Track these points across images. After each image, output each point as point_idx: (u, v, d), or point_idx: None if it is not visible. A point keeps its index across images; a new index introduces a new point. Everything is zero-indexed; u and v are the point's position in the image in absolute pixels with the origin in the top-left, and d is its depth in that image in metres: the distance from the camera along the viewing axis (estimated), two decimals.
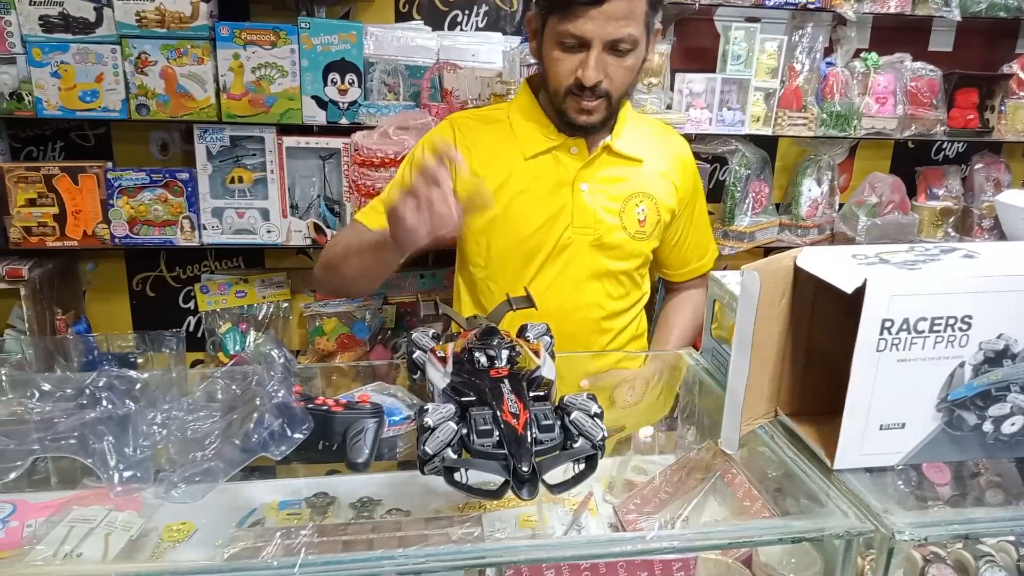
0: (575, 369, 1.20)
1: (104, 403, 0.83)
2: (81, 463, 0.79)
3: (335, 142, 1.89)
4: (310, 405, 0.84)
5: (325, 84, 1.83)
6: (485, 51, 1.96)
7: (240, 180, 1.90)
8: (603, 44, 1.24)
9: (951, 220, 2.34)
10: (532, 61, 1.75)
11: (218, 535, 0.84)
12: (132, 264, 2.14)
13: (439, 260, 2.15)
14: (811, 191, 2.26)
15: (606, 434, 0.74)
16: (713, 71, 2.06)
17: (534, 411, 0.73)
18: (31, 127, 1.98)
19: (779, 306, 0.83)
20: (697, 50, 2.19)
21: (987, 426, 0.79)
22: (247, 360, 0.92)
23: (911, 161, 2.43)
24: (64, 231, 1.85)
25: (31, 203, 1.83)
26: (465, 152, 1.39)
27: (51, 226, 1.84)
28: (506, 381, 0.77)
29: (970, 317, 0.74)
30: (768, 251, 2.29)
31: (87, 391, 0.84)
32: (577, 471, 0.73)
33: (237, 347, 2.05)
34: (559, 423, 0.74)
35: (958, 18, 2.08)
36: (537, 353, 0.87)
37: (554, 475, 0.72)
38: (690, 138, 2.12)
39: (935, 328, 0.74)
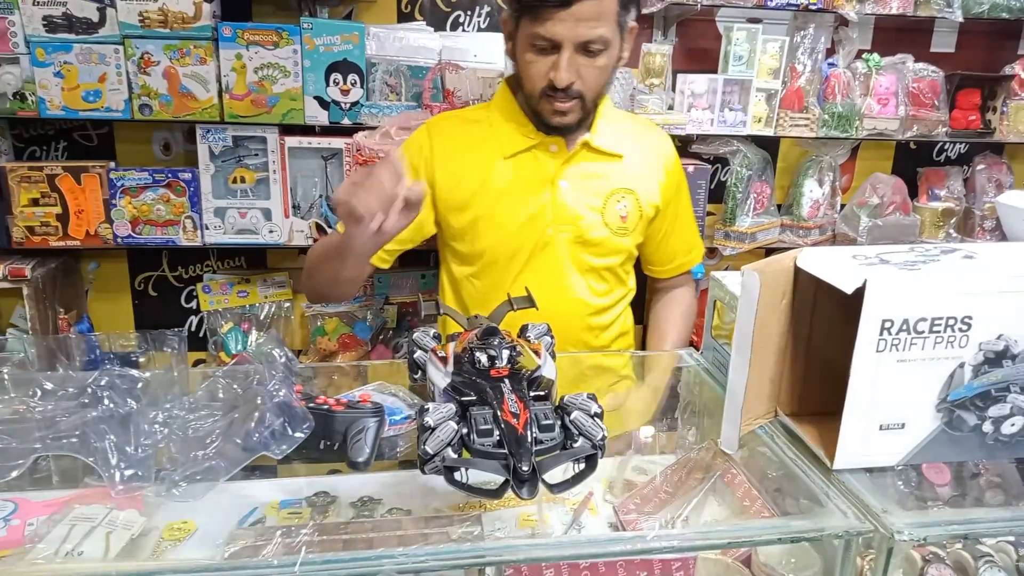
0: (564, 369, 1.20)
1: (106, 402, 0.83)
2: (83, 462, 0.79)
3: (337, 142, 1.89)
4: (311, 404, 0.84)
5: (327, 84, 1.83)
6: (487, 52, 1.96)
7: (242, 180, 1.90)
8: (574, 45, 1.25)
9: (953, 221, 2.34)
10: None
11: (219, 534, 0.84)
12: (134, 264, 2.15)
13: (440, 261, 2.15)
14: (812, 192, 2.26)
15: (606, 434, 0.74)
16: (715, 72, 2.06)
17: (534, 411, 0.74)
18: (34, 127, 1.99)
19: (779, 306, 0.83)
20: (699, 51, 2.20)
21: (987, 427, 0.79)
22: (249, 359, 0.92)
23: (913, 162, 2.43)
24: (67, 231, 1.85)
25: (34, 203, 1.83)
26: (443, 153, 1.40)
27: (54, 226, 1.85)
28: (507, 381, 0.77)
29: (970, 318, 0.75)
30: (769, 252, 2.28)
31: (89, 390, 0.85)
32: (577, 471, 0.73)
33: (239, 347, 2.05)
34: (559, 423, 0.74)
35: (960, 19, 2.07)
36: (538, 353, 0.87)
37: (554, 475, 0.72)
38: (691, 139, 2.13)
39: (935, 328, 0.75)
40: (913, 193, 2.37)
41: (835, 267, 0.77)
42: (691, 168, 2.07)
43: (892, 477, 0.80)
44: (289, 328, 2.18)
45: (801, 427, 0.87)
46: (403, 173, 1.02)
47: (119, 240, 1.88)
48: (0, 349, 0.99)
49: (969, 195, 2.39)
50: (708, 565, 0.87)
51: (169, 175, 1.86)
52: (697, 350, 1.22)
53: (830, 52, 2.18)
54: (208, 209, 1.89)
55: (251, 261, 2.18)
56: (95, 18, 1.74)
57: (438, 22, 2.08)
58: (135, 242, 1.89)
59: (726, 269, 1.09)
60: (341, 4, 2.01)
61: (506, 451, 0.69)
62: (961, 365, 0.76)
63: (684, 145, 2.21)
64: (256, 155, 1.90)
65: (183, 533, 0.87)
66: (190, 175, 1.87)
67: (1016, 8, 2.12)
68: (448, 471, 0.70)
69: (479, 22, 2.11)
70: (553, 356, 0.93)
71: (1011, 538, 0.93)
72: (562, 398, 0.77)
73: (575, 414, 0.74)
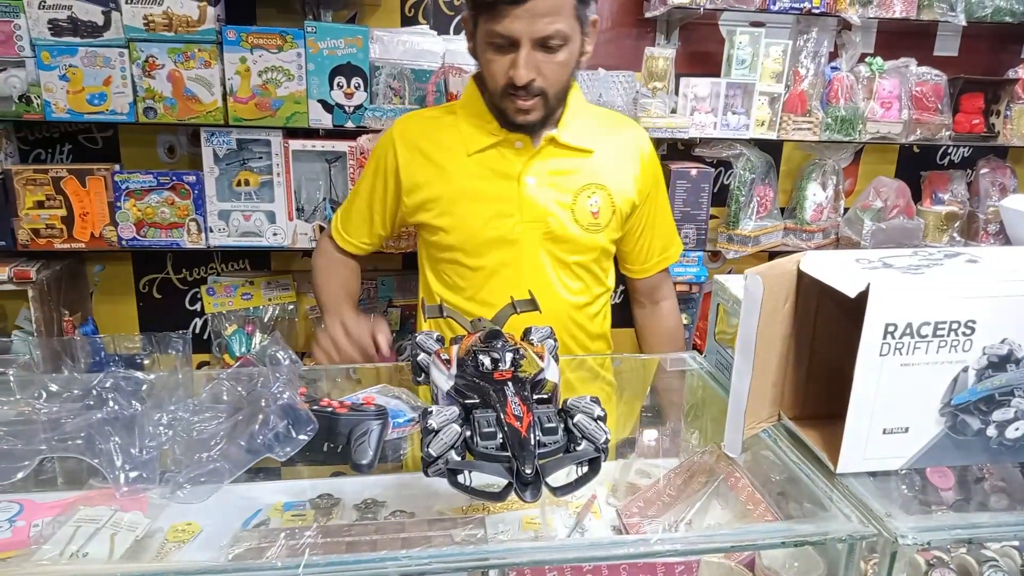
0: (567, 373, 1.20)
1: (111, 404, 0.84)
2: (88, 463, 0.80)
3: (341, 145, 1.90)
4: (315, 407, 0.84)
5: (331, 88, 1.84)
6: None
7: (247, 183, 1.91)
8: (532, 42, 1.25)
9: (956, 225, 2.34)
10: None
11: (223, 536, 0.84)
12: (139, 266, 2.16)
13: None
14: (816, 195, 2.26)
15: (609, 437, 0.74)
16: (718, 75, 2.06)
17: (537, 414, 0.74)
18: (39, 130, 2.00)
19: (782, 310, 0.83)
20: (702, 54, 2.20)
21: (991, 431, 0.79)
22: (253, 362, 0.93)
23: (916, 166, 2.43)
24: (72, 233, 1.86)
25: (39, 205, 1.84)
26: (407, 152, 1.42)
27: (59, 228, 1.85)
28: (510, 384, 0.77)
29: (973, 322, 0.74)
30: (773, 255, 2.28)
31: (94, 392, 0.85)
32: (580, 474, 0.73)
33: (243, 349, 2.06)
34: (562, 426, 0.74)
35: (963, 23, 2.07)
36: (541, 356, 0.87)
37: (557, 478, 0.72)
38: (694, 142, 2.13)
39: (938, 332, 0.75)
40: (916, 197, 2.37)
41: (838, 271, 0.77)
42: (694, 171, 2.07)
43: (896, 481, 0.80)
44: (293, 330, 2.18)
45: (804, 431, 0.87)
46: (374, 357, 1.26)
47: (124, 242, 1.88)
48: (5, 351, 0.99)
49: (973, 199, 2.39)
50: (711, 569, 0.87)
51: (173, 178, 1.87)
52: (700, 353, 1.22)
53: (833, 56, 2.18)
54: (212, 212, 1.89)
55: (255, 264, 2.19)
56: (100, 22, 1.75)
57: (441, 25, 2.08)
58: (140, 244, 1.90)
59: (729, 273, 1.09)
60: (345, 8, 2.02)
61: (509, 454, 0.70)
62: (965, 369, 0.76)
63: (687, 148, 2.22)
64: (260, 158, 1.90)
65: (187, 535, 0.87)
66: (194, 178, 1.87)
67: (1020, 12, 2.12)
68: (452, 474, 0.70)
69: None
70: (556, 359, 0.93)
71: (1015, 542, 0.93)
72: (565, 401, 0.77)
73: (578, 417, 0.74)
